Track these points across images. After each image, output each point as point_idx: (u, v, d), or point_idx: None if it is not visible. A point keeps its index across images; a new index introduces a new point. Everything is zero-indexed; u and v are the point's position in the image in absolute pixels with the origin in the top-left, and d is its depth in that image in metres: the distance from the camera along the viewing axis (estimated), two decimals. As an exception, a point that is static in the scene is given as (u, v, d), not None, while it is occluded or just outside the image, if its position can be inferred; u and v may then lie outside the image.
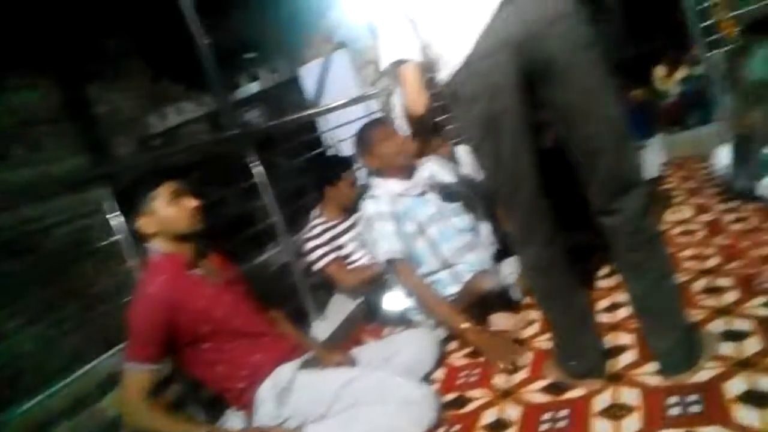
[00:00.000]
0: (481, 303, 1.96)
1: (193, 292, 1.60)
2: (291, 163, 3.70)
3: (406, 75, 1.42)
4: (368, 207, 1.92)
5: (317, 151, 3.46)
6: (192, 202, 1.65)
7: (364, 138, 2.09)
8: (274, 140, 3.77)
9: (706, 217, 2.33)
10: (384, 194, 1.93)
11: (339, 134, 3.54)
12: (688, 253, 2.05)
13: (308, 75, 4.06)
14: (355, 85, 3.95)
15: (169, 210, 1.62)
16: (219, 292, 1.66)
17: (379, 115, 3.71)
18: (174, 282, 1.57)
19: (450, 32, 1.31)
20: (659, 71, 5.43)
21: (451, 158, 2.56)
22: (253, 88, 5.00)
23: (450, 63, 1.32)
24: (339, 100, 3.63)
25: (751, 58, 2.08)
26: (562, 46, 1.24)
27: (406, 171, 2.03)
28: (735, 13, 3.15)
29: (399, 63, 1.41)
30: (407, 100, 1.44)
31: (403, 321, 2.14)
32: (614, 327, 1.70)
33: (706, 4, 3.20)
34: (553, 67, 1.25)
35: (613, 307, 1.82)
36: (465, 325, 1.85)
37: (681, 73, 5.08)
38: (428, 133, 2.16)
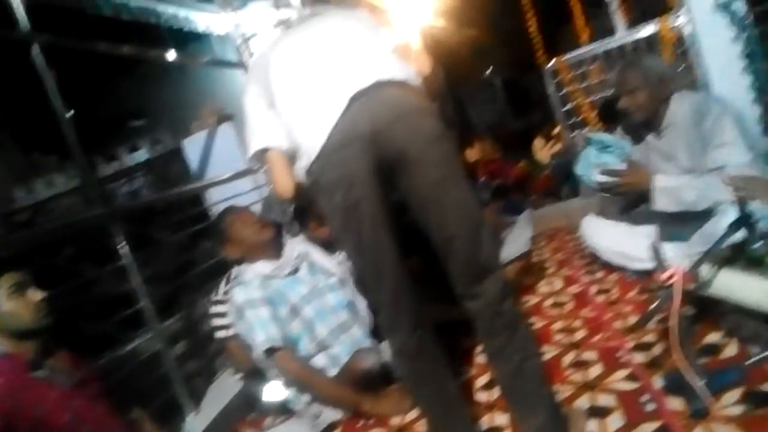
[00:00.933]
0: (362, 383, 1.90)
1: (34, 396, 1.43)
2: (174, 238, 3.54)
3: (270, 162, 1.46)
4: (237, 295, 1.82)
5: (203, 225, 3.33)
6: (36, 295, 1.50)
7: (219, 229, 2.02)
8: (154, 214, 3.59)
9: (574, 289, 2.47)
10: (253, 278, 1.85)
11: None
12: (557, 326, 2.14)
13: (192, 147, 3.96)
14: (242, 159, 3.89)
15: (9, 305, 1.47)
16: (66, 396, 1.49)
17: (266, 191, 3.67)
18: (11, 386, 1.41)
19: (305, 124, 1.37)
20: (537, 143, 5.84)
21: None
22: (135, 158, 4.79)
23: (307, 153, 1.36)
24: (224, 174, 3.56)
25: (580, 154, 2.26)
26: (411, 140, 1.32)
27: (273, 251, 1.98)
28: (590, 99, 3.49)
29: (264, 151, 1.45)
30: (274, 186, 1.48)
31: (283, 411, 2.03)
32: (491, 406, 1.71)
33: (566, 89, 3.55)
34: (404, 159, 1.32)
35: (491, 384, 1.83)
36: (360, 400, 1.81)
37: (555, 146, 5.49)
38: (306, 215, 2.15)
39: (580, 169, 2.14)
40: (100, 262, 2.52)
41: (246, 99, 1.50)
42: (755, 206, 1.62)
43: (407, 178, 1.34)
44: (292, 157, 1.44)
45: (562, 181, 4.51)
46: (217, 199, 3.54)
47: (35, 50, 2.16)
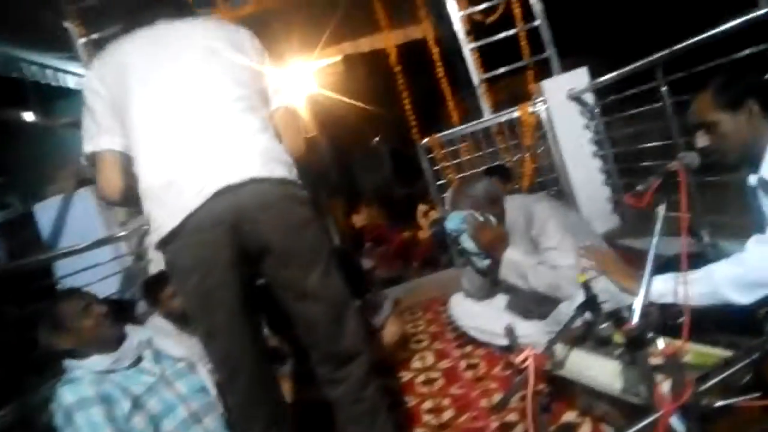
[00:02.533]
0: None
1: None
2: (19, 313, 3.13)
3: (101, 162, 1.39)
4: (65, 395, 1.57)
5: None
6: None
7: (53, 316, 1.74)
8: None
9: (445, 364, 2.46)
10: (85, 375, 1.63)
11: (80, 280, 3.11)
12: (427, 405, 2.10)
13: (45, 213, 3.60)
14: (101, 226, 3.59)
15: None
16: None
17: (125, 262, 3.39)
18: None
19: (159, 191, 1.29)
20: (420, 211, 5.94)
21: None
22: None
23: (160, 229, 1.28)
24: (80, 243, 3.24)
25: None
26: (276, 230, 1.28)
27: (111, 343, 1.74)
28: (460, 175, 3.65)
29: (97, 153, 1.39)
30: (99, 186, 1.42)
31: None
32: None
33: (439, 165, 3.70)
34: (268, 249, 1.29)
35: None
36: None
37: (434, 214, 5.61)
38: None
39: (450, 223, 2.17)
40: None
41: (89, 93, 1.40)
42: (604, 282, 1.73)
43: (272, 265, 1.31)
44: (128, 164, 1.38)
45: (442, 250, 4.63)
46: (70, 271, 3.21)
47: None
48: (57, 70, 4.56)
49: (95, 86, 1.38)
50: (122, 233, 3.51)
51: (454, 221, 2.14)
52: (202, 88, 1.36)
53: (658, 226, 1.35)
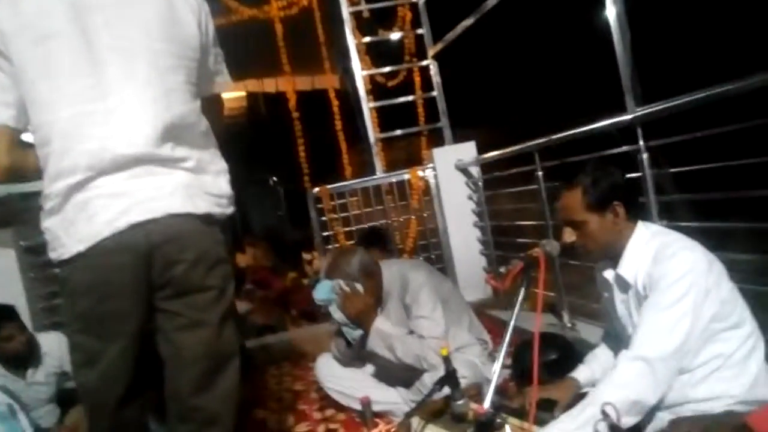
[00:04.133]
0: None
1: None
2: None
3: None
4: None
5: None
6: None
7: None
8: None
9: (302, 428, 2.35)
10: None
11: None
12: (277, 473, 1.98)
13: None
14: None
15: None
16: None
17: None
18: None
19: (69, 221, 1.18)
20: (306, 257, 5.81)
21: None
22: None
23: (62, 250, 1.19)
24: None
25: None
26: (185, 263, 1.21)
27: None
28: (345, 229, 3.65)
29: None
30: None
31: None
32: None
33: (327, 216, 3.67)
34: (172, 279, 1.21)
35: None
36: None
37: (317, 264, 5.53)
38: None
39: (318, 293, 2.11)
40: None
41: None
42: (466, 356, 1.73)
43: (167, 297, 1.23)
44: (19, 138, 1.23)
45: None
46: None
47: None
48: None
49: (1, 48, 1.18)
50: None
51: (322, 291, 2.08)
52: (140, 78, 1.20)
53: (516, 309, 1.38)
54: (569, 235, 1.48)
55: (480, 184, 3.53)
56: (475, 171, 3.58)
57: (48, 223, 1.22)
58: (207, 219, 1.26)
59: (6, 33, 1.17)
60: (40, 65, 1.17)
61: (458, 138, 3.82)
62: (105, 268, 1.17)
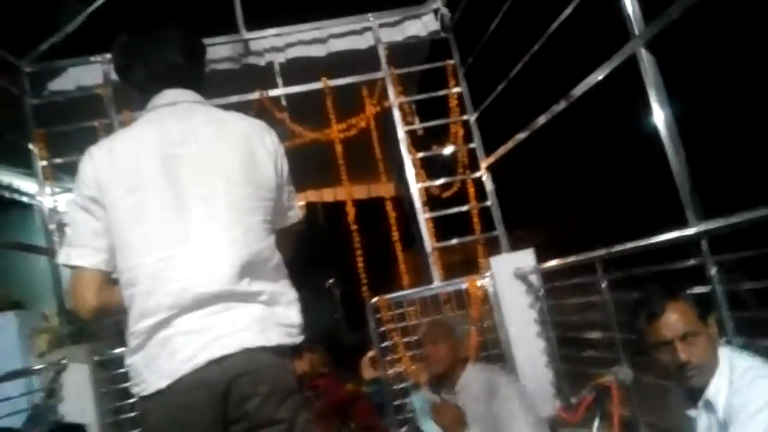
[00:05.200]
0: None
1: None
2: None
3: (76, 280, 1.34)
4: None
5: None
6: None
7: None
8: None
9: None
10: None
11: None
12: None
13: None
14: (20, 356, 3.34)
15: None
16: None
17: (36, 398, 3.10)
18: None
19: (152, 357, 1.26)
20: (365, 363, 5.67)
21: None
22: None
23: (144, 386, 1.27)
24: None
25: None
26: (258, 397, 1.25)
27: None
28: (405, 339, 3.60)
29: (74, 268, 1.34)
30: (74, 301, 1.38)
31: None
32: None
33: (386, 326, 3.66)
34: (246, 414, 1.26)
35: None
36: None
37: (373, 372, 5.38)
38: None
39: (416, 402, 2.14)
40: None
41: (79, 200, 1.34)
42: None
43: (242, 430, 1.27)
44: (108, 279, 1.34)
45: (380, 414, 4.39)
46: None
47: None
48: (9, 187, 4.51)
49: (96, 196, 1.31)
50: (38, 366, 3.26)
51: (419, 400, 2.11)
52: (220, 223, 1.31)
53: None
54: (686, 353, 1.37)
55: (541, 293, 3.47)
56: (534, 279, 3.53)
57: (131, 360, 1.30)
58: (278, 350, 1.31)
59: (103, 184, 1.31)
60: (131, 213, 1.29)
61: (515, 241, 3.82)
62: (184, 406, 1.23)
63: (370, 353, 5.67)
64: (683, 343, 1.37)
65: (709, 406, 1.39)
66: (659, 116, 2.02)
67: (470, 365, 2.28)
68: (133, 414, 3.24)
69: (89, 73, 3.70)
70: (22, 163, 3.91)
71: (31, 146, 3.62)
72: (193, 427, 1.23)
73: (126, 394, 3.48)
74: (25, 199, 4.67)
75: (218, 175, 1.32)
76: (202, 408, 1.22)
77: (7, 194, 4.61)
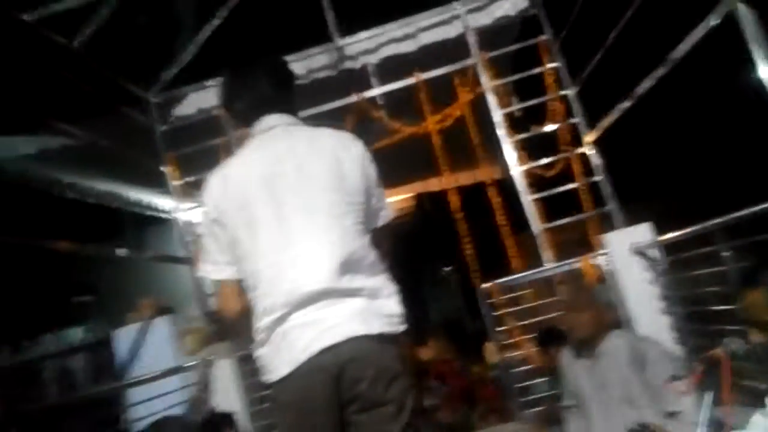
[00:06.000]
0: None
1: None
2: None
3: (223, 289, 1.60)
4: None
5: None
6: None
7: None
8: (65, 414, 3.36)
9: None
10: None
11: (145, 410, 3.24)
12: None
13: (123, 339, 3.84)
14: (173, 355, 3.77)
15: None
16: None
17: (191, 392, 3.51)
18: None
19: (277, 348, 1.48)
20: (488, 348, 5.68)
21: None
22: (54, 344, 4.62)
23: (273, 373, 1.49)
24: (153, 371, 3.43)
25: None
26: (367, 381, 1.42)
27: None
28: (520, 323, 3.61)
29: (221, 281, 1.60)
30: (220, 308, 1.65)
31: None
32: None
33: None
34: (358, 396, 1.43)
35: None
36: None
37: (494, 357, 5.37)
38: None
39: None
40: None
41: (212, 223, 1.56)
42: None
43: (356, 413, 1.44)
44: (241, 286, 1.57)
45: (507, 397, 4.39)
46: (139, 399, 3.36)
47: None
48: (149, 206, 5.07)
49: (217, 218, 1.54)
50: (191, 363, 3.67)
51: None
52: (317, 229, 1.49)
53: (701, 416, 1.30)
54: (758, 338, 1.38)
55: (663, 267, 3.31)
56: (655, 253, 3.37)
57: (260, 352, 1.53)
58: (381, 338, 1.47)
59: (220, 207, 1.54)
60: (244, 228, 1.51)
61: (630, 216, 3.67)
62: (304, 388, 1.43)
63: (489, 344, 5.69)
64: (757, 327, 1.50)
65: None
66: (765, 73, 1.88)
67: (613, 332, 2.32)
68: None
69: (207, 97, 4.08)
70: (158, 183, 4.39)
71: (163, 168, 4.07)
72: (313, 406, 1.42)
73: (267, 384, 3.84)
74: (163, 215, 5.24)
75: (312, 186, 1.51)
76: (319, 389, 1.41)
77: (147, 212, 5.22)
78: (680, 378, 1.35)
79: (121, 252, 3.52)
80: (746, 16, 1.97)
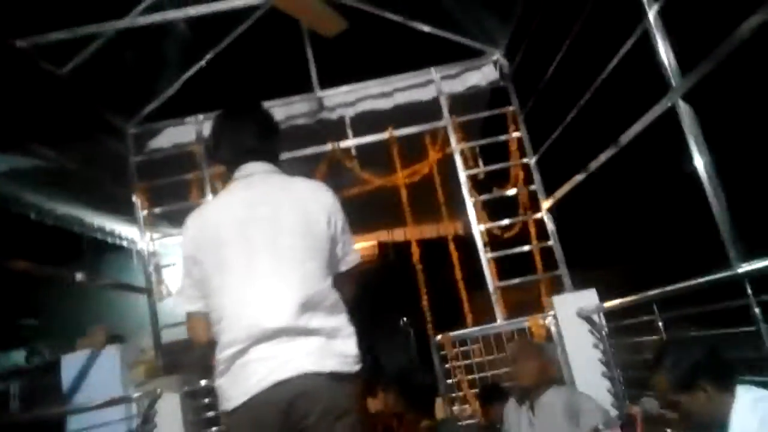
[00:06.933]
0: None
1: None
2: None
3: (193, 321, 1.72)
4: None
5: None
6: None
7: None
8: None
9: None
10: None
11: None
12: None
13: (71, 364, 3.78)
14: (120, 385, 3.73)
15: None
16: None
17: (137, 420, 3.46)
18: None
19: (235, 378, 1.56)
20: (439, 404, 5.73)
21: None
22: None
23: (229, 403, 1.56)
24: (98, 398, 3.38)
25: None
26: (315, 415, 1.51)
27: None
28: (469, 377, 3.70)
29: (192, 314, 1.71)
30: (190, 336, 1.75)
31: None
32: None
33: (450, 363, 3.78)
34: (306, 430, 1.51)
35: None
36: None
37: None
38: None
39: None
40: None
41: (188, 260, 1.68)
42: None
43: None
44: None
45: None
46: (83, 425, 3.29)
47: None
48: (112, 233, 5.06)
49: (193, 254, 1.66)
50: (136, 394, 3.63)
51: None
52: (281, 271, 1.59)
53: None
54: (671, 415, 1.53)
55: (604, 332, 3.49)
56: (598, 319, 3.56)
57: (219, 382, 1.60)
58: (333, 376, 1.56)
59: (197, 245, 1.67)
60: (215, 267, 1.63)
61: (578, 281, 3.87)
62: (256, 419, 1.51)
63: (440, 399, 5.73)
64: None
65: None
66: (699, 163, 2.12)
67: (553, 386, 2.45)
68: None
69: (184, 133, 4.21)
70: (124, 211, 4.42)
71: (134, 197, 4.12)
72: None
73: (210, 421, 3.83)
74: (125, 243, 5.23)
75: (281, 231, 1.63)
76: (269, 420, 1.49)
77: (109, 239, 5.20)
78: (604, 429, 1.48)
79: (80, 276, 3.51)
80: (685, 111, 2.22)
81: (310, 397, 1.51)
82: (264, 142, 1.79)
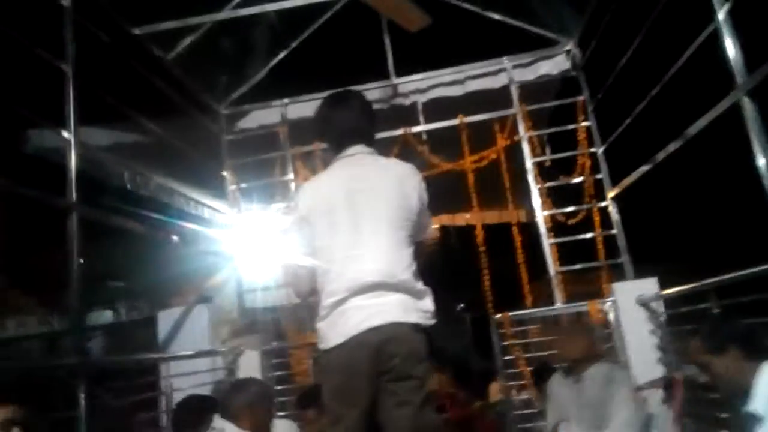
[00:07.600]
0: None
1: None
2: (117, 403, 3.62)
3: (300, 272, 2.02)
4: None
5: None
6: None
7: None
8: (107, 375, 3.73)
9: None
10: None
11: (179, 383, 3.61)
12: None
13: (166, 320, 4.23)
14: (208, 340, 4.15)
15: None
16: None
17: (222, 372, 3.87)
18: None
19: (334, 324, 1.86)
20: (494, 387, 5.88)
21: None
22: (106, 317, 5.04)
23: (328, 343, 1.87)
24: (188, 350, 3.81)
25: None
26: (400, 356, 1.79)
27: None
28: (526, 355, 3.89)
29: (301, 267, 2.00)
30: (295, 289, 2.12)
31: None
32: None
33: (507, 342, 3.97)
34: (392, 368, 1.79)
35: None
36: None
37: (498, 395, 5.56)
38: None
39: None
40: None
41: (301, 221, 1.98)
42: None
43: (389, 380, 1.78)
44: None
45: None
46: (173, 373, 3.73)
47: (72, 219, 2.53)
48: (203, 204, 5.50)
49: (306, 216, 1.97)
50: (222, 349, 4.05)
51: None
52: (380, 235, 1.89)
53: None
54: (702, 377, 1.70)
55: (662, 320, 3.58)
56: (657, 306, 3.64)
57: (320, 325, 1.92)
58: (415, 327, 1.86)
59: (310, 208, 1.99)
60: (325, 228, 1.94)
61: (639, 273, 3.95)
62: (351, 357, 1.81)
63: (497, 381, 5.86)
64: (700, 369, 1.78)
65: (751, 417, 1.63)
66: (761, 160, 2.22)
67: (599, 362, 2.65)
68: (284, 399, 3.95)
69: (269, 115, 4.57)
70: (214, 186, 4.84)
71: (224, 173, 4.53)
72: (356, 372, 1.79)
73: (282, 379, 4.21)
74: (214, 215, 5.67)
75: (382, 201, 1.94)
76: (362, 358, 1.78)
77: (199, 211, 5.66)
78: (647, 386, 1.66)
79: (175, 239, 3.92)
80: (749, 108, 2.30)
81: (397, 341, 1.79)
82: (365, 126, 2.09)
